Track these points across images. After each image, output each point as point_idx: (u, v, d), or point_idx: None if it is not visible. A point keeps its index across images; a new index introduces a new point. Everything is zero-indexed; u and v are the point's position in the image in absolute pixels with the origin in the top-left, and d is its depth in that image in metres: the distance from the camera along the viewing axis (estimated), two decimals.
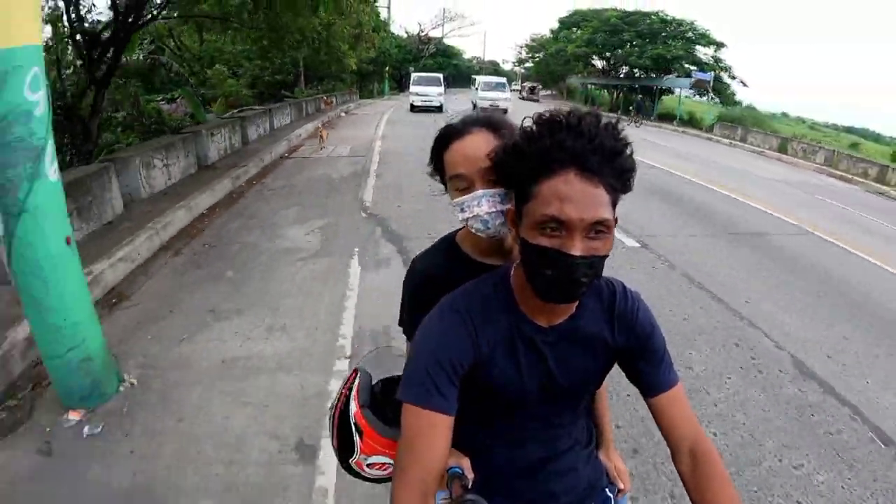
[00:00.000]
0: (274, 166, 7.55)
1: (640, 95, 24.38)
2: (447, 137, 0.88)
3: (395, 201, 5.60)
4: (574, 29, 28.10)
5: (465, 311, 0.78)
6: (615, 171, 0.67)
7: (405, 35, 43.58)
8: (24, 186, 1.86)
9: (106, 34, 6.79)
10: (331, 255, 3.92)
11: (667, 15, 24.18)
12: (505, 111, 16.95)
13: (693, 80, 19.14)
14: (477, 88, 19.57)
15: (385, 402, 0.96)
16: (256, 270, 3.61)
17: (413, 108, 18.54)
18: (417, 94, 18.67)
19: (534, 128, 0.69)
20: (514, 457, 0.87)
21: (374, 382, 1.01)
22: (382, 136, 11.31)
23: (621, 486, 0.99)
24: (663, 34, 23.12)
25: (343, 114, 16.89)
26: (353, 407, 0.94)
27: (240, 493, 1.79)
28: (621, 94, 26.33)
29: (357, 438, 0.92)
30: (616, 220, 0.69)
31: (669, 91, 22.54)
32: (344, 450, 0.95)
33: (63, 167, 2.93)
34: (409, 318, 0.95)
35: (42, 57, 1.90)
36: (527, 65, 47.10)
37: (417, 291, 0.94)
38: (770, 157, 15.02)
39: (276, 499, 1.78)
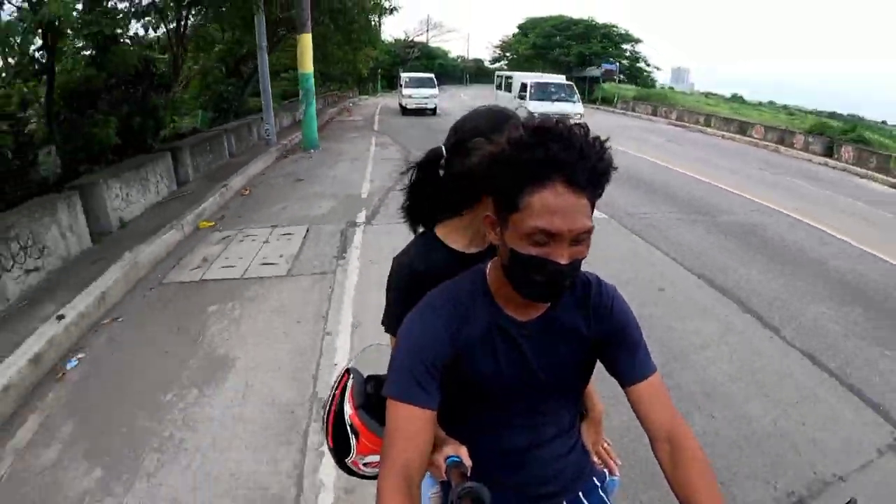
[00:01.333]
0: (329, 122, 15.19)
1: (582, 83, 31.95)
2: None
3: (387, 129, 13.24)
4: (528, 34, 35.84)
5: (443, 310, 0.82)
6: (599, 182, 0.71)
7: (393, 41, 51.27)
8: (312, 100, 9.60)
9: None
10: (365, 139, 11.57)
11: (594, 21, 31.88)
12: None
13: (603, 69, 26.65)
14: (524, 96, 13.68)
15: (379, 402, 0.95)
16: (344, 139, 11.28)
17: (405, 112, 17.60)
18: (410, 97, 17.63)
19: (523, 136, 0.70)
20: (498, 445, 0.91)
21: (365, 378, 1.07)
22: (379, 113, 18.97)
23: (603, 467, 1.03)
24: (592, 35, 30.75)
25: (352, 104, 24.58)
26: (349, 409, 1.00)
27: (359, 155, 9.41)
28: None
29: (353, 439, 0.98)
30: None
31: (597, 80, 30.11)
32: (340, 450, 1.00)
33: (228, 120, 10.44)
34: (397, 314, 0.95)
35: (312, 73, 9.55)
36: (502, 62, 54.66)
37: (402, 287, 0.97)
38: (643, 119, 22.48)
39: (364, 154, 9.38)
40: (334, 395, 1.05)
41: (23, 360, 2.62)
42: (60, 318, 3.04)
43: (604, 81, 26.21)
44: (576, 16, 33.30)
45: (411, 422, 0.77)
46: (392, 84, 41.97)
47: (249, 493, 1.94)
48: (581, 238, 0.71)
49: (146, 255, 4.17)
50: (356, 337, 3.04)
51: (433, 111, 17.97)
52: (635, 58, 30.95)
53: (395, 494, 0.72)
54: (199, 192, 6.18)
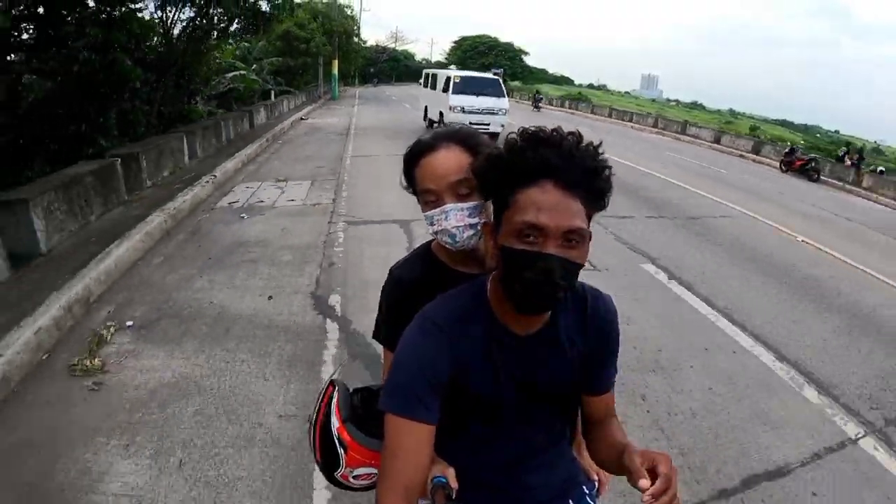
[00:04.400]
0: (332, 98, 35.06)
1: None
2: (419, 153, 1.00)
3: (363, 97, 33.09)
4: (459, 48, 56.29)
5: (442, 323, 0.87)
6: (591, 188, 0.77)
7: (366, 46, 70.96)
8: (336, 83, 29.39)
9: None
10: (353, 98, 31.32)
11: (498, 39, 52.51)
12: None
13: (493, 73, 46.84)
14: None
15: (366, 414, 1.04)
16: (345, 98, 31.00)
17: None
18: (462, 109, 11.71)
19: (518, 141, 0.79)
20: (490, 455, 0.96)
21: (352, 391, 1.11)
22: (358, 94, 38.82)
23: (595, 477, 1.10)
24: (494, 50, 51.24)
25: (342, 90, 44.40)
26: (336, 422, 1.03)
27: (353, 101, 29.31)
28: None
29: (342, 452, 1.01)
30: (590, 235, 0.78)
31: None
32: (328, 464, 1.05)
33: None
34: (388, 326, 1.06)
35: (337, 73, 29.44)
36: (451, 66, 75.41)
37: (395, 300, 1.06)
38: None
39: (354, 101, 29.26)
40: (319, 407, 1.08)
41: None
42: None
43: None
44: (492, 35, 54.05)
45: (412, 437, 0.81)
46: (365, 79, 61.19)
47: None
48: (572, 239, 0.75)
49: (307, 110, 23.96)
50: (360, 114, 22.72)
51: (495, 137, 10.76)
52: (523, 65, 51.58)
53: None
54: (310, 102, 25.90)
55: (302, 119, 17.42)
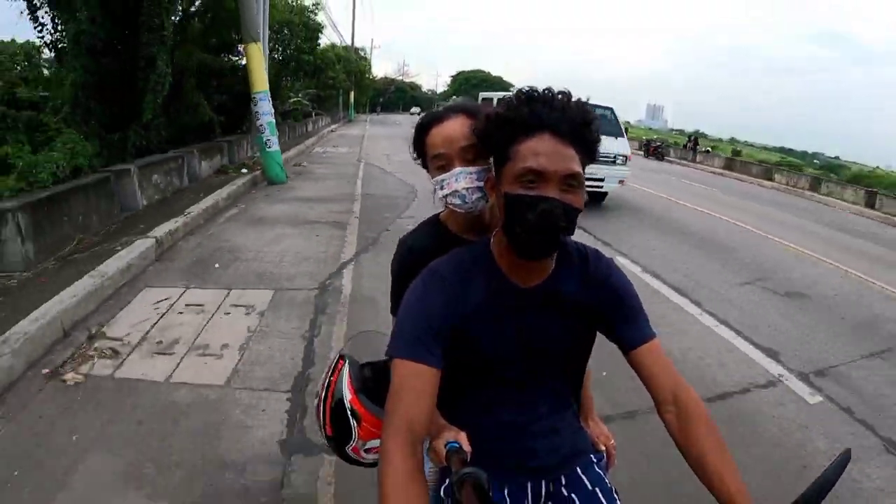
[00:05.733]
0: (348, 120, 44.44)
1: None
2: (428, 123, 1.08)
3: (372, 121, 42.41)
4: (456, 80, 66.12)
5: (447, 275, 0.92)
6: (582, 139, 0.84)
7: (376, 79, 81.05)
8: (353, 109, 38.59)
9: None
10: (364, 124, 40.47)
11: (490, 74, 62.22)
12: None
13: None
14: None
15: (376, 387, 1.07)
16: (358, 121, 40.25)
17: None
18: None
19: (513, 100, 0.86)
20: (494, 422, 0.99)
21: (361, 364, 1.16)
22: (368, 119, 48.18)
23: (602, 449, 1.12)
24: (486, 83, 60.74)
25: (354, 116, 53.92)
26: (348, 394, 1.08)
27: (365, 123, 38.41)
28: None
29: (354, 425, 1.06)
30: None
31: None
32: (340, 438, 1.09)
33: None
34: (395, 292, 1.09)
35: (354, 103, 38.71)
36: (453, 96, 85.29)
37: (406, 267, 1.09)
38: None
39: (366, 123, 38.38)
40: (330, 381, 1.12)
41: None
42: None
43: None
44: (487, 70, 63.70)
45: (418, 379, 0.84)
46: (374, 108, 70.56)
47: None
48: (570, 184, 0.82)
49: (334, 126, 33.02)
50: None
51: (603, 197, 8.70)
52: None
53: (400, 454, 0.78)
54: (334, 122, 34.98)
55: (332, 131, 26.34)
